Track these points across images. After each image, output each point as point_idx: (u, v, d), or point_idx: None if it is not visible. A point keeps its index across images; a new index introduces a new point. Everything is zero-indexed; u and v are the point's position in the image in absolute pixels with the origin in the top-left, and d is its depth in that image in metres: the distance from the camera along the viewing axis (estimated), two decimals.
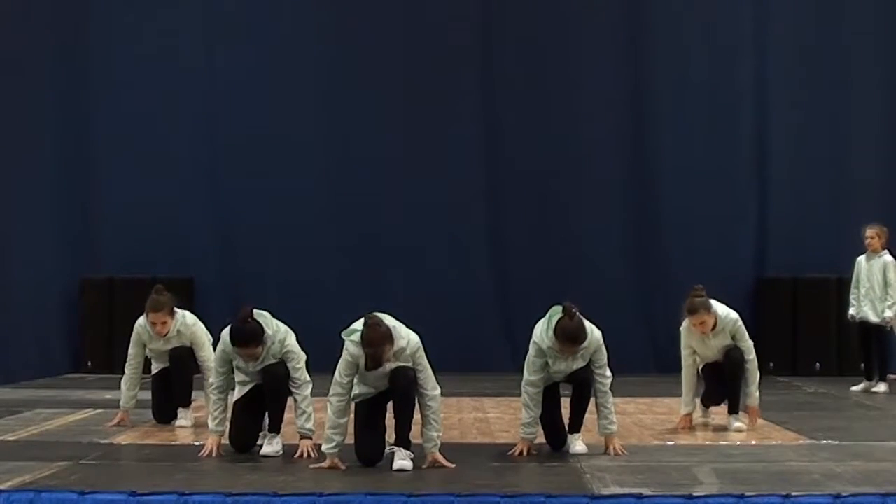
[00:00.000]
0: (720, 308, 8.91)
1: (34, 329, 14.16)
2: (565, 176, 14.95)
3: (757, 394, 8.96)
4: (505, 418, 9.96)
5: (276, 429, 7.97)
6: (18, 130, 14.62)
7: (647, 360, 14.67)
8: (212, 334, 9.41)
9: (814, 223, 14.57)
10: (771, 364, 14.36)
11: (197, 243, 15.14)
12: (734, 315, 8.95)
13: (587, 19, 15.15)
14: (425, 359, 7.36)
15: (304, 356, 8.12)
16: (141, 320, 9.34)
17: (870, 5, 15.09)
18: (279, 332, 8.05)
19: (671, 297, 14.72)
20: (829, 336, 14.44)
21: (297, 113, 15.10)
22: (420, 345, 7.32)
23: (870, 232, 11.96)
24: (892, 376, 14.21)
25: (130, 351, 9.44)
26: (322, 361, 14.83)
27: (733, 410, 8.93)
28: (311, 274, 14.58)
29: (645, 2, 15.28)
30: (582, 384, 7.86)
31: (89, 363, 14.95)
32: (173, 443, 8.52)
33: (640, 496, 6.16)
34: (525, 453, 7.76)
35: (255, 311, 7.98)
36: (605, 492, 6.31)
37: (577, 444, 7.89)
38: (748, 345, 8.92)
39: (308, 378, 8.02)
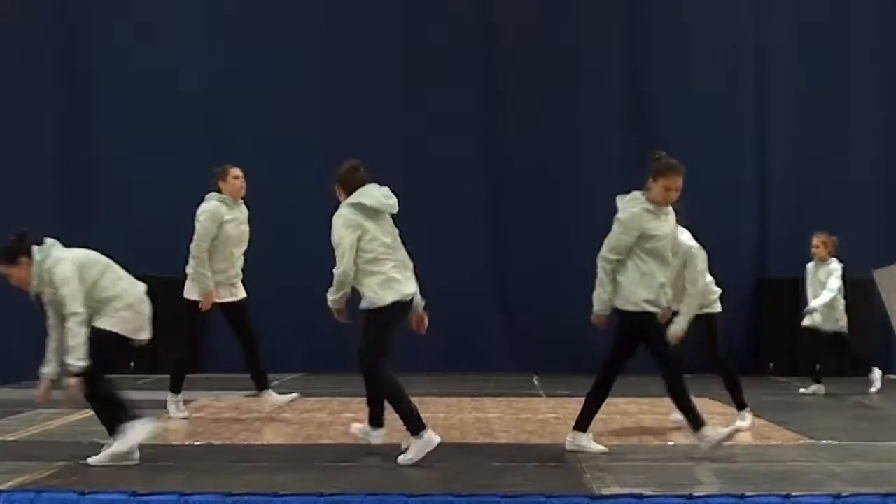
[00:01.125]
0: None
1: (34, 329, 14.12)
2: (565, 176, 14.99)
3: (684, 324, 8.68)
4: (505, 418, 9.96)
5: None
6: (20, 132, 14.65)
7: (646, 359, 14.65)
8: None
9: (814, 224, 14.52)
10: (771, 364, 14.40)
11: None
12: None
13: (587, 19, 15.18)
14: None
15: (73, 282, 7.42)
16: None
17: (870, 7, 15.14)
18: (50, 258, 7.40)
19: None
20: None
21: (295, 111, 15.11)
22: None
23: (816, 241, 11.96)
24: (893, 376, 14.25)
25: None
26: (321, 359, 14.89)
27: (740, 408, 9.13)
28: (309, 273, 14.55)
29: (646, 3, 15.33)
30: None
31: None
32: (174, 443, 8.52)
33: (640, 496, 6.16)
34: (603, 326, 7.83)
35: (48, 239, 7.49)
36: (606, 492, 6.31)
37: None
38: (694, 276, 8.86)
39: (76, 309, 7.32)
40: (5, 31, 14.67)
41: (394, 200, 7.92)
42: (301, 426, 9.50)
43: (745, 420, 8.98)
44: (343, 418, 9.94)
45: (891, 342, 14.36)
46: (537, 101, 15.09)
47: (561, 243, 14.63)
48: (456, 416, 10.01)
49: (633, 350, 7.86)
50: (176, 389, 9.86)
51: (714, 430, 7.67)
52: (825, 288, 11.81)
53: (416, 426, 7.43)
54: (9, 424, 9.28)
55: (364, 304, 7.66)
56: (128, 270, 7.91)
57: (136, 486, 6.37)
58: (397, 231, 7.97)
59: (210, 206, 9.66)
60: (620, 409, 10.67)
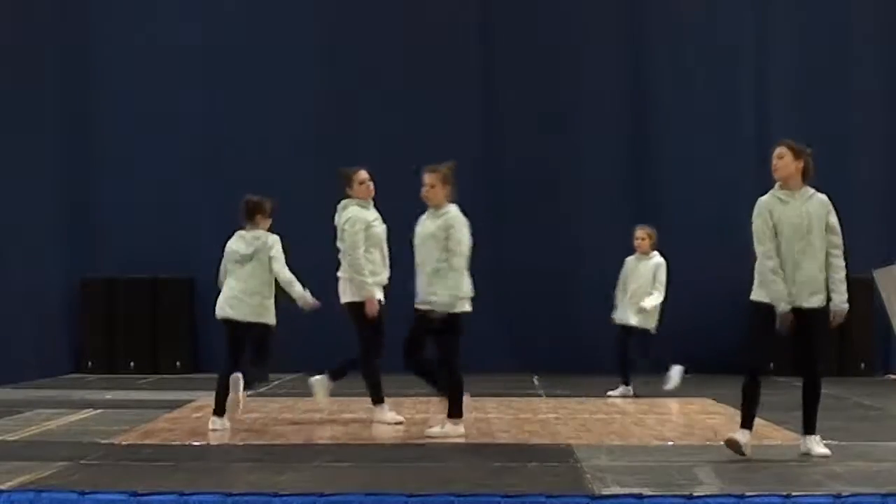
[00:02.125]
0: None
1: (35, 329, 14.14)
2: (565, 177, 15.00)
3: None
4: (505, 418, 9.96)
5: None
6: (19, 132, 14.63)
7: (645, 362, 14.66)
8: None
9: None
10: (771, 364, 14.35)
11: (197, 244, 15.13)
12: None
13: (588, 21, 15.20)
14: None
15: None
16: None
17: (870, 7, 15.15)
18: None
19: (670, 297, 14.76)
20: (829, 337, 14.44)
21: (297, 112, 15.12)
22: None
23: (640, 233, 11.68)
24: (893, 376, 14.26)
25: None
26: (323, 356, 14.83)
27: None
28: (312, 273, 14.54)
29: (646, 6, 15.33)
30: (810, 376, 7.79)
31: (90, 364, 14.97)
32: (174, 442, 8.51)
33: (640, 496, 6.16)
34: (790, 322, 7.57)
35: None
36: (606, 492, 6.30)
37: (817, 446, 7.68)
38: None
39: None
40: (7, 32, 14.68)
41: None
42: (300, 427, 9.49)
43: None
44: (342, 418, 9.95)
45: (891, 341, 14.35)
46: (536, 104, 15.09)
47: (561, 244, 14.63)
48: None
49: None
50: (378, 396, 9.52)
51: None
52: (654, 282, 11.49)
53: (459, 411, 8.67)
54: (8, 424, 9.27)
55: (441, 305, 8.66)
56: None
57: (136, 486, 6.37)
58: None
59: (352, 213, 9.53)
60: (620, 409, 10.69)
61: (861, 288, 14.43)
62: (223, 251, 9.84)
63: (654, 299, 11.52)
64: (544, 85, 15.13)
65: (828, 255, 7.65)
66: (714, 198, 14.71)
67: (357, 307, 9.36)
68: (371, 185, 9.69)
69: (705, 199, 14.78)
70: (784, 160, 7.68)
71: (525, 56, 15.18)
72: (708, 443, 8.45)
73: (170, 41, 15.18)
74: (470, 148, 15.07)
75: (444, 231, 8.70)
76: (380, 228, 9.65)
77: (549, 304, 14.46)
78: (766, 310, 7.62)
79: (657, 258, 11.65)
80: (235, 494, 6.20)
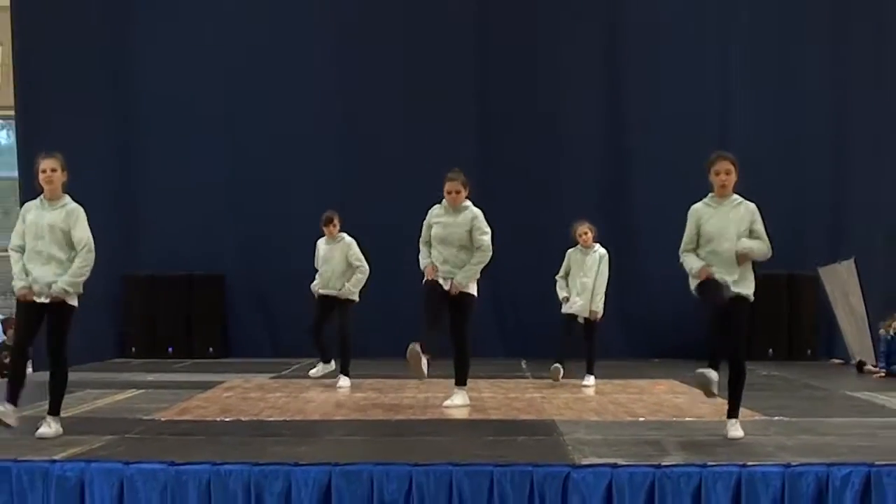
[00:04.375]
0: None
1: (85, 320, 13.95)
2: (552, 177, 14.98)
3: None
4: (497, 398, 9.95)
5: None
6: (72, 145, 14.60)
7: (621, 347, 14.68)
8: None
9: (770, 224, 14.56)
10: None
11: (226, 242, 15.13)
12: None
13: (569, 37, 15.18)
14: None
15: None
16: None
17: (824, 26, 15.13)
18: None
19: (643, 293, 14.78)
20: (780, 327, 14.49)
21: (319, 117, 15.09)
22: None
23: (582, 228, 11.21)
24: (837, 361, 14.26)
25: None
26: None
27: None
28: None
29: (622, 23, 15.30)
30: (736, 364, 7.30)
31: (133, 349, 14.98)
32: (207, 418, 8.52)
33: (615, 465, 6.17)
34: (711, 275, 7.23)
35: None
36: (585, 462, 6.32)
37: (734, 430, 7.34)
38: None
39: None
40: (58, 40, 14.61)
41: None
42: (318, 405, 9.50)
43: None
44: (355, 397, 9.96)
45: (833, 330, 14.37)
46: (526, 119, 15.06)
47: (544, 245, 14.58)
48: None
49: None
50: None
51: None
52: (597, 274, 11.06)
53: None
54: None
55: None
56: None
57: (173, 456, 6.38)
58: None
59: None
60: (598, 390, 10.69)
61: (808, 283, 14.49)
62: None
63: (600, 288, 11.07)
64: (533, 104, 15.09)
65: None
66: (682, 198, 14.67)
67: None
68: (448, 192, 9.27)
69: (673, 198, 14.63)
70: (731, 176, 7.44)
71: (516, 77, 15.16)
72: (674, 419, 8.45)
73: (211, 52, 15.15)
74: (465, 158, 14.99)
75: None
76: (443, 231, 9.31)
77: (535, 299, 14.43)
78: (703, 286, 7.32)
79: (601, 250, 11.25)
80: (261, 464, 6.21)
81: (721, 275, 7.26)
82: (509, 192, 14.80)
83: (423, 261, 9.14)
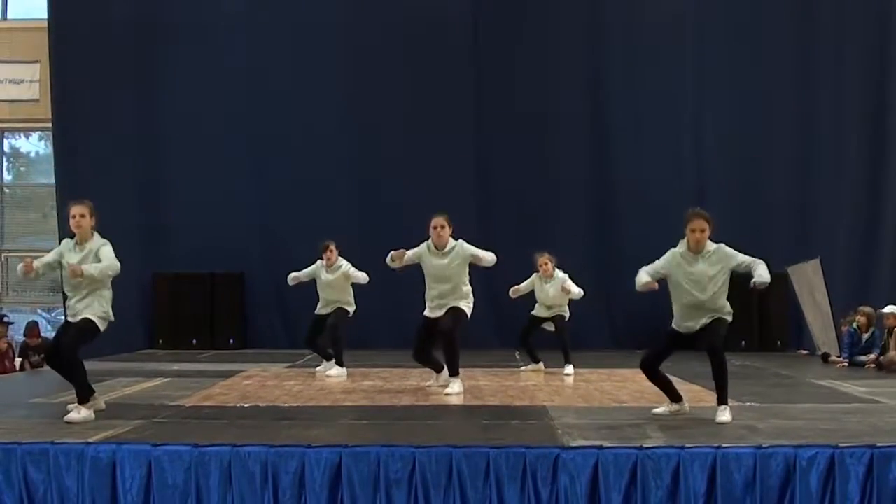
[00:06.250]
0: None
1: (116, 314, 14.06)
2: (541, 178, 15.05)
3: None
4: (493, 385, 9.94)
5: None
6: (105, 157, 14.64)
7: (606, 337, 14.66)
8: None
9: (742, 227, 14.57)
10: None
11: (246, 243, 15.13)
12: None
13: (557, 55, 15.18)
14: None
15: None
16: None
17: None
18: None
19: (626, 286, 14.75)
20: (751, 320, 14.48)
21: (332, 122, 15.13)
22: None
23: (542, 259, 11.10)
24: (803, 352, 14.25)
25: None
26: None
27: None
28: None
29: (604, 47, 15.32)
30: (715, 354, 7.14)
31: (160, 341, 14.97)
32: (227, 404, 8.50)
33: (601, 447, 6.15)
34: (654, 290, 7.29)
35: None
36: (573, 444, 6.30)
37: (722, 415, 7.20)
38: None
39: None
40: (91, 53, 14.56)
41: None
42: (329, 391, 9.49)
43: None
44: (364, 385, 9.94)
45: (801, 325, 14.35)
46: (519, 139, 15.12)
47: (536, 242, 14.59)
48: None
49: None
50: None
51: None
52: (572, 290, 10.89)
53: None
54: (96, 390, 9.24)
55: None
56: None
57: (197, 439, 6.37)
58: None
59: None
60: (584, 378, 10.67)
61: (778, 281, 14.36)
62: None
63: (576, 290, 11.00)
64: (526, 123, 15.11)
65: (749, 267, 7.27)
66: (662, 208, 14.69)
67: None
68: (438, 233, 9.21)
69: (653, 203, 14.62)
70: (705, 233, 7.23)
71: (510, 100, 15.18)
72: (655, 405, 8.41)
73: (231, 65, 15.13)
74: (463, 168, 15.09)
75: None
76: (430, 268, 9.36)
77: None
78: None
79: (560, 274, 11.11)
80: (277, 446, 6.20)
81: (697, 321, 7.26)
82: (505, 190, 14.86)
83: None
